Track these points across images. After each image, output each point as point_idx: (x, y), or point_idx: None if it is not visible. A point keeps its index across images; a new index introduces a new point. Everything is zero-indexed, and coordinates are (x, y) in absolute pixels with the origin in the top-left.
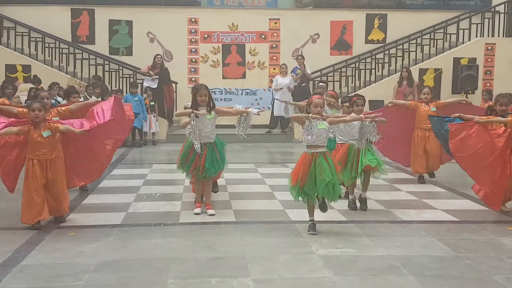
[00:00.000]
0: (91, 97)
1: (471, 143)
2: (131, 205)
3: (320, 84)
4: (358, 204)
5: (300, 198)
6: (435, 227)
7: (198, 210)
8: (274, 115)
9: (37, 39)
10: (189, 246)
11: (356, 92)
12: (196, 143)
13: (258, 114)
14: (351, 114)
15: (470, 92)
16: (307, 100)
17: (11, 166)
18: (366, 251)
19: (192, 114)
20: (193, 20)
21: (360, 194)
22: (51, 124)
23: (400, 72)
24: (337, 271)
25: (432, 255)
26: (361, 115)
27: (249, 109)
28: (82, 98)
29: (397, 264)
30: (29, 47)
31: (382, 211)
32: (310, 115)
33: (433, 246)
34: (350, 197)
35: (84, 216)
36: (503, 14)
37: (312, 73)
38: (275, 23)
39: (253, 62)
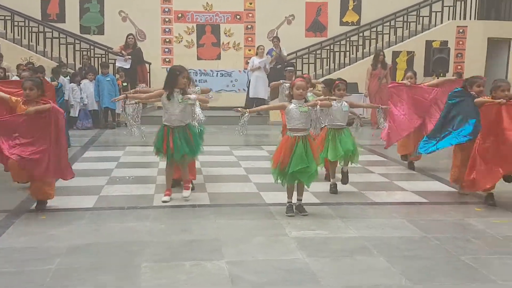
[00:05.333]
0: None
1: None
2: (103, 188)
3: (288, 68)
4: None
5: (279, 181)
6: (406, 209)
7: (167, 198)
8: (250, 97)
9: (6, 17)
10: (163, 229)
11: (339, 77)
12: (136, 131)
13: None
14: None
15: (441, 74)
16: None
17: None
18: (339, 232)
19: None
20: None
21: (342, 168)
22: (42, 104)
23: (373, 55)
24: (310, 252)
25: (401, 236)
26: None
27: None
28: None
29: (368, 245)
30: None
31: (355, 193)
32: (293, 101)
33: (403, 227)
34: (331, 180)
35: (55, 200)
36: None
37: (288, 55)
38: (250, 3)
39: (228, 43)
